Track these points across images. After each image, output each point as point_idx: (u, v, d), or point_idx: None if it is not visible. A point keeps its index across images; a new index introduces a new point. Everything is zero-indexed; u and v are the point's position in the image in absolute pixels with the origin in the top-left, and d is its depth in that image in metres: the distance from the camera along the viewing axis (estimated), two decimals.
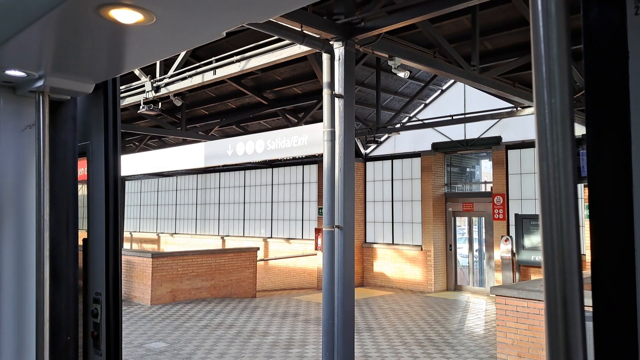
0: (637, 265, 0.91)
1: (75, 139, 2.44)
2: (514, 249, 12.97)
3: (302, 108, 13.75)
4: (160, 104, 11.33)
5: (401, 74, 7.78)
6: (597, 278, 0.97)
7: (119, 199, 2.41)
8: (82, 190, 2.65)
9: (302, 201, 17.49)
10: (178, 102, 11.31)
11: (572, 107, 0.74)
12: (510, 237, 13.03)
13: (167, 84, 10.02)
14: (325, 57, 6.85)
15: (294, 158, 15.94)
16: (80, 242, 2.48)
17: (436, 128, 14.02)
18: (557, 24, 0.73)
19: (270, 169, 18.63)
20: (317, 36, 6.65)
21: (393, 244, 15.42)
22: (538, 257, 12.03)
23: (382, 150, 15.99)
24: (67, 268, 2.37)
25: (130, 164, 13.89)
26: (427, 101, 14.87)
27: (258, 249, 15.06)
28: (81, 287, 2.48)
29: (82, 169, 2.56)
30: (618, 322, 0.92)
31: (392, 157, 15.71)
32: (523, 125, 12.65)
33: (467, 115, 12.54)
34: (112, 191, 2.38)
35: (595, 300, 0.96)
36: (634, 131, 0.91)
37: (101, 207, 2.37)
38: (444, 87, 14.51)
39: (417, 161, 15.02)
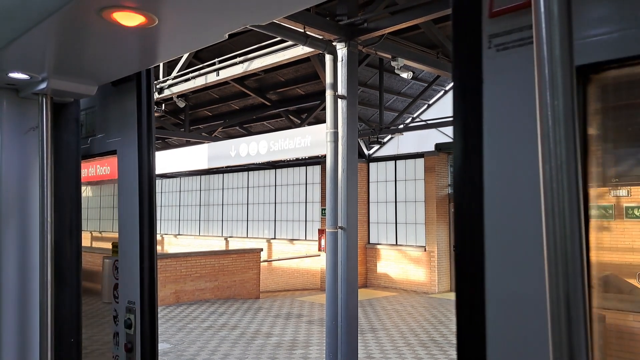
0: (486, 257, 1.11)
1: (78, 141, 2.44)
2: None
3: (305, 109, 13.76)
4: (163, 105, 11.37)
5: (404, 75, 7.78)
6: (458, 271, 1.15)
7: (154, 199, 2.21)
8: (87, 192, 2.64)
9: (306, 202, 17.49)
10: (181, 104, 11.33)
11: (575, 109, 0.73)
12: None
13: (170, 86, 10.04)
14: (328, 58, 6.85)
15: (297, 159, 15.95)
16: (109, 246, 2.43)
17: (439, 128, 14.00)
18: (559, 26, 0.73)
19: (274, 170, 18.64)
20: (320, 37, 6.65)
21: (396, 244, 15.40)
22: None
23: (385, 151, 15.97)
24: (71, 270, 2.37)
25: None
26: (430, 102, 14.85)
27: (261, 250, 15.07)
28: (112, 294, 2.34)
29: (84, 170, 2.56)
30: (472, 309, 1.11)
31: (395, 157, 15.69)
32: None
33: None
34: (146, 191, 2.18)
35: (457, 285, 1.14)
36: (485, 140, 1.10)
37: (134, 209, 2.20)
38: (447, 88, 14.49)
39: (420, 162, 15.00)
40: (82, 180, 2.45)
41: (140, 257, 2.16)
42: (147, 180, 2.17)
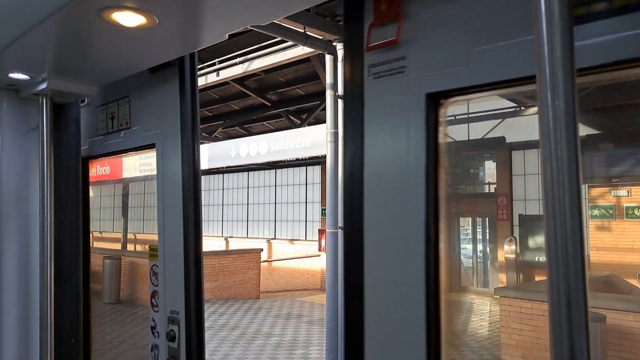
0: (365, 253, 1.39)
1: (78, 141, 2.44)
2: (518, 250, 12.92)
3: (306, 109, 13.75)
4: None
5: None
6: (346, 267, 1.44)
7: (200, 197, 1.95)
8: (91, 191, 2.63)
9: (306, 202, 17.49)
10: None
11: (576, 109, 0.73)
12: (514, 237, 12.99)
13: None
14: (328, 58, 6.85)
15: (297, 159, 15.94)
16: (145, 248, 2.36)
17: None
18: (560, 26, 0.73)
19: (274, 170, 18.63)
20: (320, 37, 6.65)
21: None
22: (542, 257, 11.99)
23: None
24: (71, 270, 2.37)
25: (131, 165, 13.94)
26: None
27: (262, 250, 15.05)
28: (149, 301, 2.16)
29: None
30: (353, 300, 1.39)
31: None
32: (527, 125, 12.61)
33: (470, 115, 12.52)
34: (191, 188, 1.95)
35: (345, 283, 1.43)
36: (366, 151, 1.42)
37: (177, 208, 1.98)
38: None
39: None
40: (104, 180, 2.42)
41: (185, 262, 1.95)
42: (191, 176, 1.94)
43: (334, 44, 6.69)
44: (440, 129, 1.32)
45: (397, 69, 1.38)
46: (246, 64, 8.49)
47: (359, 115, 1.45)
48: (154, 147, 2.10)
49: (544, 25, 0.73)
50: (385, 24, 1.40)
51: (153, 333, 2.12)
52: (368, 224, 1.39)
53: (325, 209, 14.14)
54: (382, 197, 1.37)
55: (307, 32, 6.51)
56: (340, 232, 6.75)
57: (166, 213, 2.05)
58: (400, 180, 1.33)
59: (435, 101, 1.31)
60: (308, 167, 17.42)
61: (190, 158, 1.94)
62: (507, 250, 12.99)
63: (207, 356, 8.16)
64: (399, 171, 1.34)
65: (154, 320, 2.14)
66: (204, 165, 12.51)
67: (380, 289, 1.34)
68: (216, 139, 14.60)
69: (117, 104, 2.35)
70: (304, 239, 17.34)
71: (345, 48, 1.53)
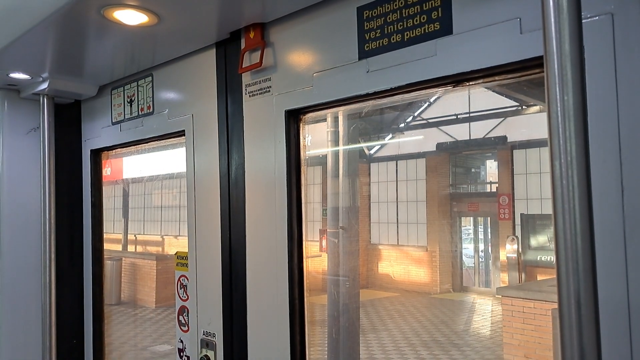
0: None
1: (80, 141, 2.43)
2: (520, 249, 12.91)
3: None
4: None
5: None
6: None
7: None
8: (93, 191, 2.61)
9: (306, 202, 17.48)
10: None
11: (586, 104, 0.72)
12: (516, 237, 12.97)
13: None
14: None
15: None
16: (170, 252, 2.28)
17: (441, 128, 13.99)
18: (569, 19, 0.71)
19: None
20: None
21: (398, 244, 15.38)
22: (544, 257, 11.99)
23: (386, 151, 15.95)
24: (73, 271, 2.36)
25: (133, 166, 13.92)
26: (432, 100, 14.82)
27: None
28: (176, 318, 1.92)
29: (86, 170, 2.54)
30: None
31: (396, 157, 15.67)
32: (528, 124, 12.60)
33: (472, 114, 12.51)
34: (231, 184, 1.72)
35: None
36: (246, 159, 1.68)
37: (213, 209, 1.76)
38: None
39: (421, 162, 14.98)
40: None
41: (223, 274, 1.71)
42: (233, 170, 1.71)
43: None
44: (301, 139, 1.59)
45: (265, 88, 1.58)
46: None
47: (240, 129, 1.64)
48: (183, 135, 1.87)
49: (552, 17, 0.72)
50: (254, 50, 1.59)
51: (180, 357, 1.84)
52: (249, 220, 1.62)
53: (326, 209, 14.13)
54: (258, 199, 1.61)
55: None
56: (341, 232, 6.74)
57: (199, 214, 1.81)
58: (270, 184, 1.57)
59: (294, 116, 1.54)
60: (308, 167, 17.40)
61: (232, 149, 1.71)
62: (509, 250, 12.98)
63: None
64: (268, 177, 1.57)
65: (181, 342, 1.87)
66: None
67: (257, 264, 1.62)
68: None
69: (137, 85, 2.09)
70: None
71: (226, 69, 1.71)
